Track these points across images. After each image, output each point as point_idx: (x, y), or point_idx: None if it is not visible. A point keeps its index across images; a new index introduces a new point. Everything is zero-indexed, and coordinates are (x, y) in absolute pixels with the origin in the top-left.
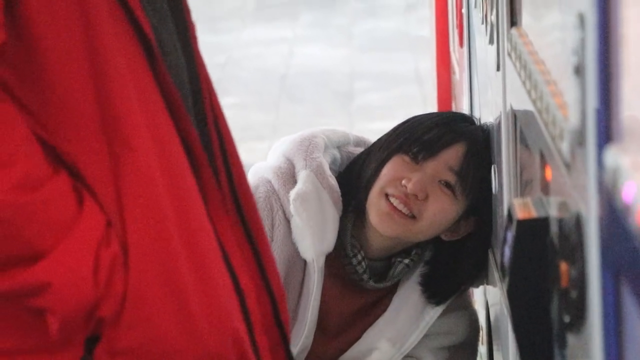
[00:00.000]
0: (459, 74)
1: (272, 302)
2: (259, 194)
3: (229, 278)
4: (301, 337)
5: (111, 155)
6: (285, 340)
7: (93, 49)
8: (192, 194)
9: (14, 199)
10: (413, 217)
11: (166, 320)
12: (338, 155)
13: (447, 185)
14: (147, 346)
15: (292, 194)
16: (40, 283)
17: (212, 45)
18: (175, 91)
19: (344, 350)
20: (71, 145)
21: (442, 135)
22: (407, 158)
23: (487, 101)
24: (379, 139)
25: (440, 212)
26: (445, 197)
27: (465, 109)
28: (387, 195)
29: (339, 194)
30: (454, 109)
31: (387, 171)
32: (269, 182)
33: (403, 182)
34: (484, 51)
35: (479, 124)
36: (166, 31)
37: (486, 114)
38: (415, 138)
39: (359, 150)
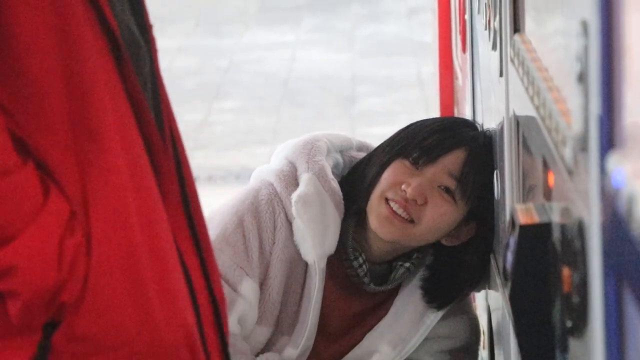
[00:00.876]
0: (462, 80)
1: (213, 306)
2: (261, 197)
3: (182, 274)
4: (302, 339)
5: (78, 149)
6: (223, 342)
7: (68, 47)
8: (153, 192)
9: None
10: (412, 221)
11: (124, 310)
12: (340, 159)
13: (447, 190)
14: (104, 334)
15: (294, 196)
16: (6, 266)
17: (214, 49)
18: (142, 95)
19: (345, 353)
20: (39, 138)
21: (442, 141)
22: (407, 163)
23: (490, 107)
24: (381, 144)
25: (439, 217)
26: (445, 202)
27: (467, 115)
28: (387, 200)
29: (341, 197)
30: (456, 115)
31: (387, 175)
32: (271, 184)
33: (403, 186)
34: (487, 57)
35: (481, 129)
36: (135, 40)
37: (489, 120)
38: (416, 143)
39: (362, 155)
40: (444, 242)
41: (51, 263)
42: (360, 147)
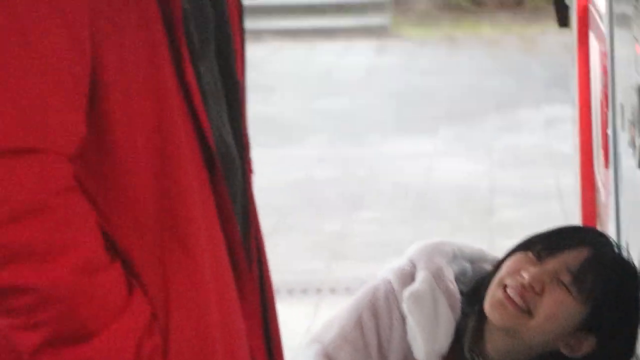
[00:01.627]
0: (605, 196)
1: None
2: (379, 294)
3: None
4: None
5: (165, 253)
6: None
7: (164, 154)
8: (235, 304)
9: (74, 281)
10: (528, 312)
11: None
12: (469, 268)
13: (565, 286)
14: None
15: (406, 292)
16: None
17: (354, 159)
18: (230, 208)
19: None
20: (127, 238)
21: (568, 237)
22: (530, 254)
23: (637, 226)
24: None
25: (555, 308)
26: (563, 294)
27: (611, 232)
28: (505, 287)
29: (458, 298)
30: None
31: (508, 264)
32: (389, 282)
33: (522, 272)
34: (632, 174)
35: (614, 243)
36: (230, 153)
37: (636, 240)
38: (541, 237)
39: None
40: (562, 350)
41: None
42: (495, 262)
